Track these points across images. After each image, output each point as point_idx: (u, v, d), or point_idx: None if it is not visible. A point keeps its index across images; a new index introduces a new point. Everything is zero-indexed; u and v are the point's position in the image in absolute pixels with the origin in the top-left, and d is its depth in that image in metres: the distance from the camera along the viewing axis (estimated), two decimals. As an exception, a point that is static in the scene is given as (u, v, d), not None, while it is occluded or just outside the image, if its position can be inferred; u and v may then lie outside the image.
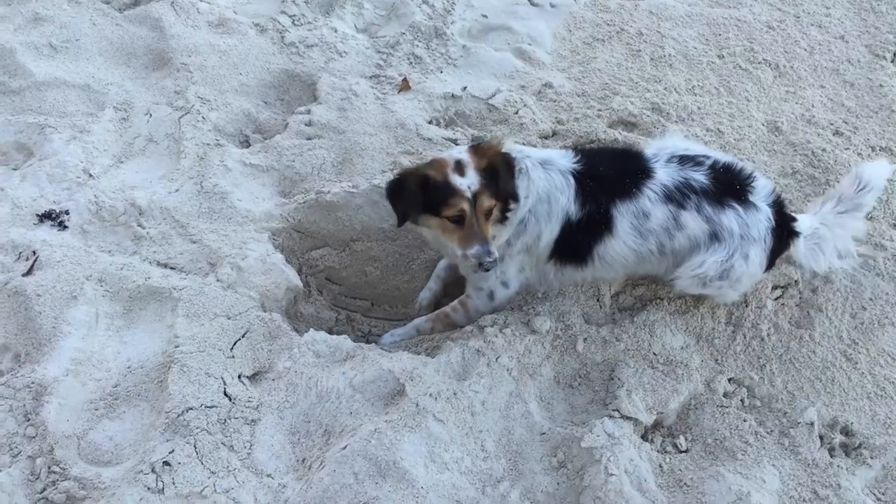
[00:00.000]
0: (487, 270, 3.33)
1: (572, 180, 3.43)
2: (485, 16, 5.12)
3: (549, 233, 3.47)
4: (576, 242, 3.48)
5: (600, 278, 3.67)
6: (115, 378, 3.29)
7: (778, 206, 3.53)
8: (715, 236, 3.43)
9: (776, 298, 3.71)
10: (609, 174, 3.47)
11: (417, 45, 4.83)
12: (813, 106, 4.63)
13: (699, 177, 3.45)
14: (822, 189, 4.17)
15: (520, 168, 3.43)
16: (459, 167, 3.29)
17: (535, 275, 3.62)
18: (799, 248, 3.62)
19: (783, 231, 3.54)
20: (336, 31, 4.86)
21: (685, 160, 3.50)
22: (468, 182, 3.25)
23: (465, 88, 4.57)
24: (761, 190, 3.51)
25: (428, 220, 3.36)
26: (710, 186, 3.44)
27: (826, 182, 4.20)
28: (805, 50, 4.98)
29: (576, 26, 5.12)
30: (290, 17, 4.90)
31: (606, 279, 3.69)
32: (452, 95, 4.54)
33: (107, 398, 3.24)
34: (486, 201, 3.26)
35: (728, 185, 3.46)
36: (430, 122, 4.42)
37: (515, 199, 3.39)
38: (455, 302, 3.74)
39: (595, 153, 3.66)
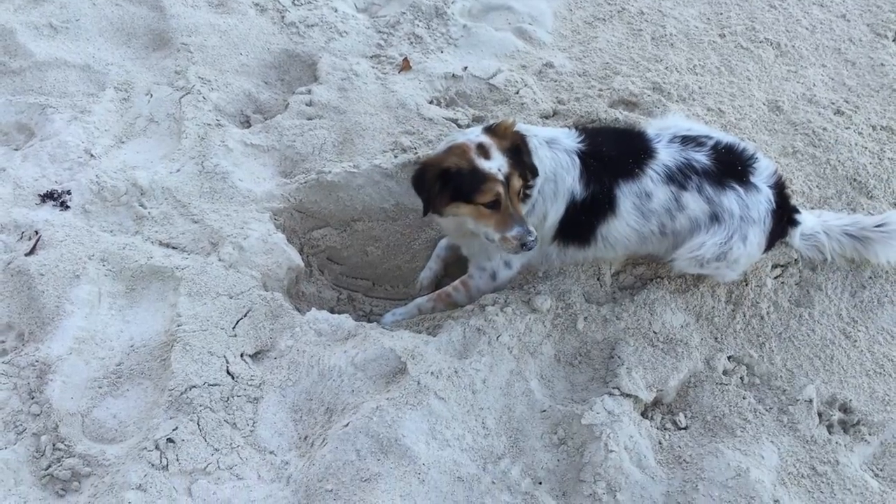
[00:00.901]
0: (530, 249, 3.31)
1: (577, 160, 3.43)
2: (485, -5, 5.10)
3: (555, 213, 3.48)
4: (579, 222, 3.49)
5: (602, 258, 3.68)
6: (118, 356, 3.31)
7: (779, 188, 3.53)
8: (715, 217, 3.44)
9: (776, 277, 3.72)
10: (612, 154, 3.46)
11: (418, 25, 4.82)
12: (814, 85, 4.62)
13: (701, 157, 3.45)
14: (822, 169, 4.17)
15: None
16: (483, 150, 3.26)
17: (537, 255, 3.63)
18: (794, 240, 3.68)
19: (783, 214, 3.54)
20: (336, 10, 4.85)
21: (687, 140, 3.51)
22: (497, 164, 3.23)
23: (465, 68, 4.56)
24: (763, 171, 3.51)
25: (458, 209, 3.32)
26: (712, 167, 3.44)
27: (827, 161, 4.20)
28: (806, 29, 4.97)
29: (576, 5, 5.10)
30: (291, -4, 4.88)
31: (608, 259, 3.70)
32: (453, 75, 4.54)
33: (110, 376, 3.26)
34: (517, 182, 3.26)
35: (729, 166, 3.46)
36: (430, 102, 4.42)
37: (536, 174, 3.39)
38: (457, 282, 3.75)
39: (598, 132, 3.65)
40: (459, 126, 4.24)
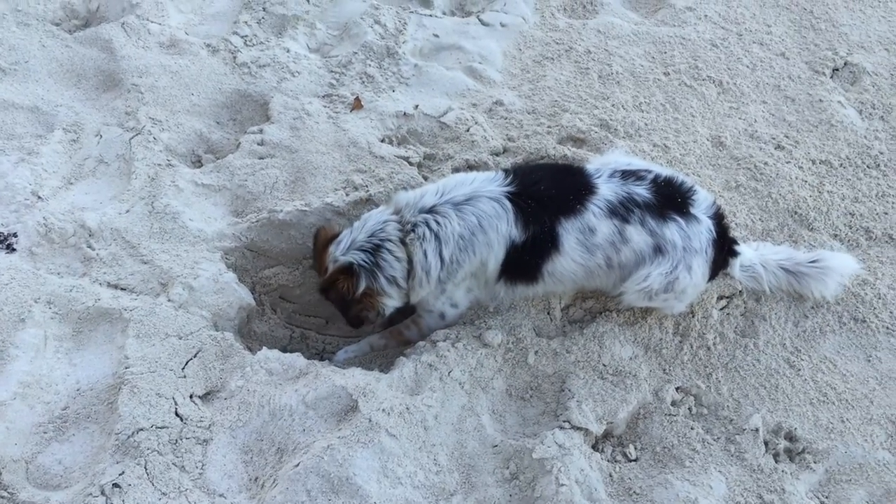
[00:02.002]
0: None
1: (508, 204, 3.44)
2: (436, 35, 5.18)
3: (494, 260, 3.48)
4: (524, 262, 3.51)
5: (551, 293, 3.73)
6: (64, 400, 3.27)
7: (718, 219, 3.61)
8: (659, 249, 3.49)
9: (721, 308, 3.80)
10: (551, 192, 3.49)
11: (370, 65, 4.88)
12: (755, 121, 4.76)
13: (641, 191, 3.51)
14: (764, 202, 4.29)
15: (410, 237, 3.45)
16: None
17: (485, 293, 3.66)
18: (735, 271, 3.76)
19: (723, 244, 3.62)
20: (288, 51, 4.89)
21: (627, 175, 3.56)
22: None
23: (416, 107, 4.62)
24: (702, 202, 3.58)
25: None
26: (653, 200, 3.50)
27: (768, 195, 4.32)
28: (747, 67, 5.12)
29: (526, 45, 5.21)
30: (242, 37, 4.91)
31: (557, 293, 3.75)
32: (405, 114, 4.59)
33: (56, 421, 3.22)
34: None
35: (670, 199, 3.53)
36: (382, 141, 4.46)
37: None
38: (408, 320, 3.78)
39: (531, 171, 3.68)
40: (410, 164, 4.28)
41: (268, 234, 4.00)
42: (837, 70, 5.15)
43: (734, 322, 3.76)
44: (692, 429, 3.36)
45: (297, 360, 3.48)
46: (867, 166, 4.51)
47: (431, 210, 3.45)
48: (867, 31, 5.38)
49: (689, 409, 3.46)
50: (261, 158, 4.26)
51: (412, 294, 3.57)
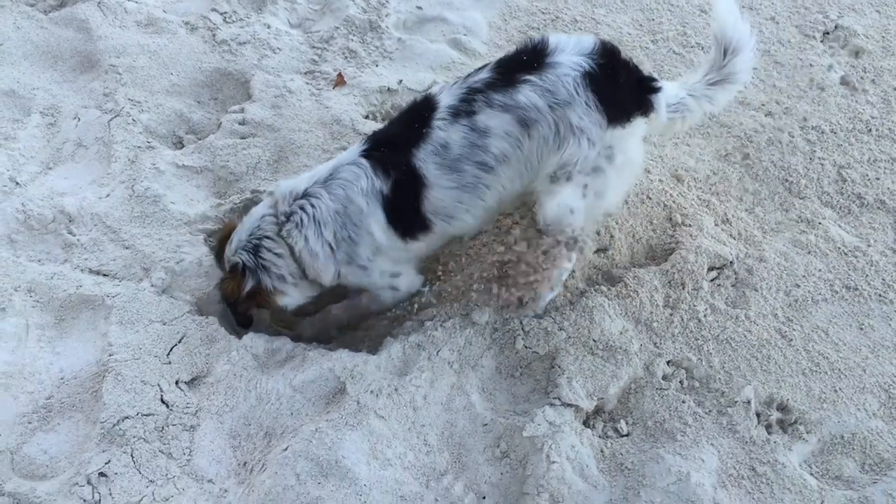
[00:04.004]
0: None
1: (364, 161, 3.25)
2: (419, 7, 5.08)
3: (376, 222, 3.29)
4: (408, 211, 3.28)
5: (466, 233, 3.50)
6: (48, 390, 3.23)
7: (604, 54, 3.17)
8: (524, 123, 3.13)
9: (712, 280, 3.76)
10: (398, 132, 3.29)
11: (352, 39, 4.79)
12: (745, 87, 4.67)
13: (482, 76, 3.19)
14: (755, 171, 4.23)
15: (296, 223, 3.29)
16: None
17: (409, 255, 3.47)
18: (661, 113, 3.28)
19: (617, 77, 3.18)
20: (269, 27, 4.80)
21: (469, 75, 3.27)
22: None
23: (400, 81, 4.54)
24: (566, 48, 3.16)
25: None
26: (493, 77, 3.16)
27: (759, 163, 4.26)
28: (737, 32, 5.04)
29: (511, 15, 5.12)
30: (222, 14, 4.81)
31: (474, 230, 3.51)
32: (388, 89, 4.51)
33: (40, 411, 3.18)
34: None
35: (515, 64, 3.18)
36: (366, 117, 4.39)
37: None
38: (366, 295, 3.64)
39: (389, 122, 3.47)
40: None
41: (251, 216, 3.94)
42: (828, 33, 5.06)
43: (725, 293, 3.71)
44: (683, 402, 3.33)
45: (284, 343, 3.44)
46: (858, 131, 4.45)
47: (305, 195, 3.30)
48: (858, -7, 5.30)
49: (681, 382, 3.43)
50: (243, 138, 4.19)
51: (322, 282, 3.43)
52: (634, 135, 3.29)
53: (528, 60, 3.16)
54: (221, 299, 3.50)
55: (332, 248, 3.31)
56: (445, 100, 3.21)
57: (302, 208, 3.29)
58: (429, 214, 3.28)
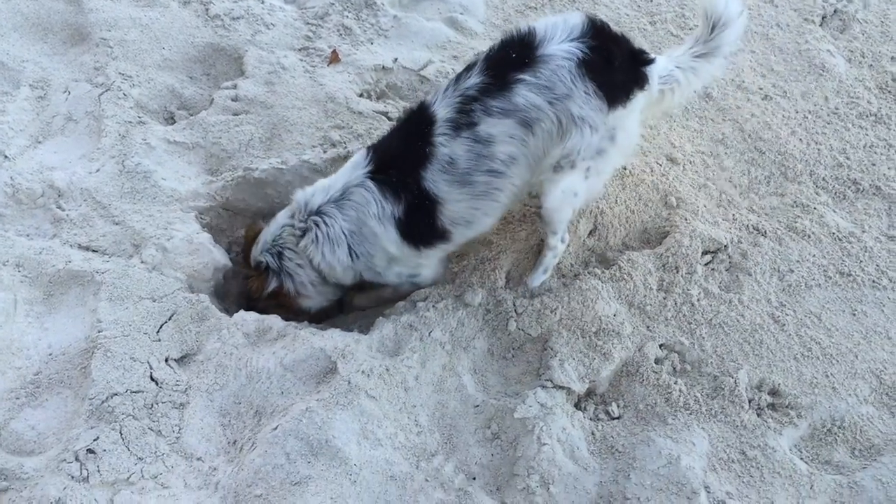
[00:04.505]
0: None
1: (371, 184, 3.25)
2: (416, -15, 5.03)
3: (391, 241, 3.32)
4: (425, 228, 3.30)
5: (481, 233, 3.49)
6: (36, 365, 3.20)
7: (594, 33, 3.10)
8: (526, 123, 3.08)
9: (706, 264, 3.74)
10: (402, 151, 3.25)
11: (347, 16, 4.73)
12: (743, 71, 4.66)
13: (473, 80, 3.11)
14: (751, 155, 4.21)
15: (312, 239, 3.37)
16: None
17: (427, 259, 3.50)
18: (653, 85, 3.24)
19: (612, 54, 3.11)
20: (263, 2, 4.73)
21: (460, 77, 3.17)
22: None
23: (395, 60, 4.49)
24: (557, 35, 3.07)
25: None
26: (486, 80, 3.08)
27: (756, 147, 4.24)
28: (735, 15, 5.00)
29: (508, -6, 5.07)
30: (215, -12, 4.75)
31: (489, 228, 3.50)
32: (383, 67, 4.46)
33: (28, 386, 3.15)
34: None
35: (505, 63, 3.09)
36: (360, 96, 4.34)
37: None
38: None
39: (388, 136, 3.42)
40: (389, 119, 4.17)
41: (244, 193, 3.91)
42: (826, 18, 5.02)
43: (719, 277, 3.70)
44: (675, 386, 3.33)
45: (275, 321, 3.42)
46: (856, 116, 4.42)
47: (319, 212, 3.34)
48: (858, -23, 5.26)
49: (673, 365, 3.42)
50: (235, 115, 4.14)
51: (343, 284, 3.55)
52: (635, 110, 3.26)
53: (517, 56, 3.08)
54: (244, 295, 3.64)
55: (350, 258, 3.38)
56: (442, 112, 3.14)
57: (317, 224, 3.34)
58: (447, 225, 3.29)
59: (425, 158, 3.16)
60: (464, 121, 3.09)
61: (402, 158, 3.23)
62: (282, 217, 3.49)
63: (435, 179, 3.17)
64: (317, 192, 3.38)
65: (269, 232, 3.49)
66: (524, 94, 3.05)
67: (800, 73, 4.68)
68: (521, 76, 3.05)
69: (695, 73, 3.34)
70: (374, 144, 3.40)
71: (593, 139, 3.15)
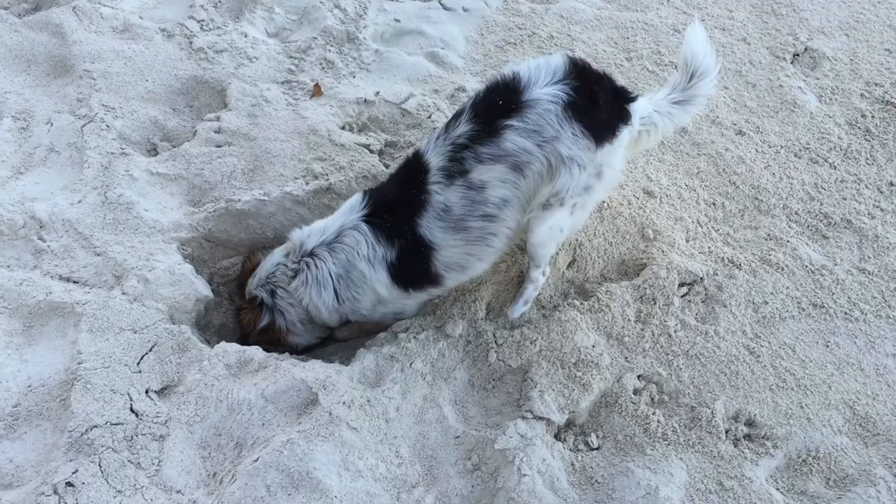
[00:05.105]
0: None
1: (365, 227, 3.35)
2: (397, 20, 5.11)
3: (381, 284, 3.42)
4: (417, 273, 3.39)
5: (473, 277, 3.58)
6: (14, 398, 3.18)
7: (575, 73, 3.15)
8: (517, 167, 3.15)
9: (683, 295, 3.80)
10: (397, 197, 3.34)
11: (330, 50, 4.80)
12: (717, 106, 4.77)
13: (462, 129, 3.19)
14: (725, 189, 4.30)
15: (302, 281, 3.47)
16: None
17: (413, 301, 3.61)
18: (635, 124, 3.34)
19: (595, 93, 3.17)
20: (246, 35, 4.79)
21: (450, 125, 3.26)
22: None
23: (377, 93, 4.56)
24: (540, 79, 3.14)
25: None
26: (474, 128, 3.16)
27: (730, 181, 4.33)
28: (710, 52, 5.12)
29: (488, 30, 5.16)
30: (199, 21, 4.80)
31: (482, 272, 3.59)
32: (365, 100, 4.52)
33: (6, 419, 3.13)
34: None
35: (492, 110, 3.16)
36: (342, 128, 4.40)
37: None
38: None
39: (384, 183, 3.55)
40: (371, 152, 4.23)
41: (226, 224, 3.93)
42: (798, 55, 5.17)
43: (695, 309, 3.76)
44: (653, 416, 3.37)
45: (256, 353, 3.43)
46: (826, 151, 4.54)
47: (311, 254, 3.45)
48: (827, 16, 5.41)
49: (651, 396, 3.46)
50: (218, 146, 4.17)
51: (326, 323, 3.64)
52: (621, 146, 3.35)
53: (504, 102, 3.15)
54: (237, 327, 3.72)
55: (336, 301, 3.48)
56: (435, 160, 3.24)
57: (308, 266, 3.44)
58: (440, 271, 3.39)
59: (421, 206, 3.27)
60: (456, 169, 3.19)
61: (398, 205, 3.33)
62: (278, 254, 3.58)
63: (430, 226, 3.28)
64: (313, 233, 3.47)
65: (264, 268, 3.58)
66: (513, 139, 3.12)
67: (772, 108, 4.79)
68: (509, 122, 3.12)
69: (671, 118, 3.48)
70: (371, 189, 3.49)
71: (581, 177, 3.23)
